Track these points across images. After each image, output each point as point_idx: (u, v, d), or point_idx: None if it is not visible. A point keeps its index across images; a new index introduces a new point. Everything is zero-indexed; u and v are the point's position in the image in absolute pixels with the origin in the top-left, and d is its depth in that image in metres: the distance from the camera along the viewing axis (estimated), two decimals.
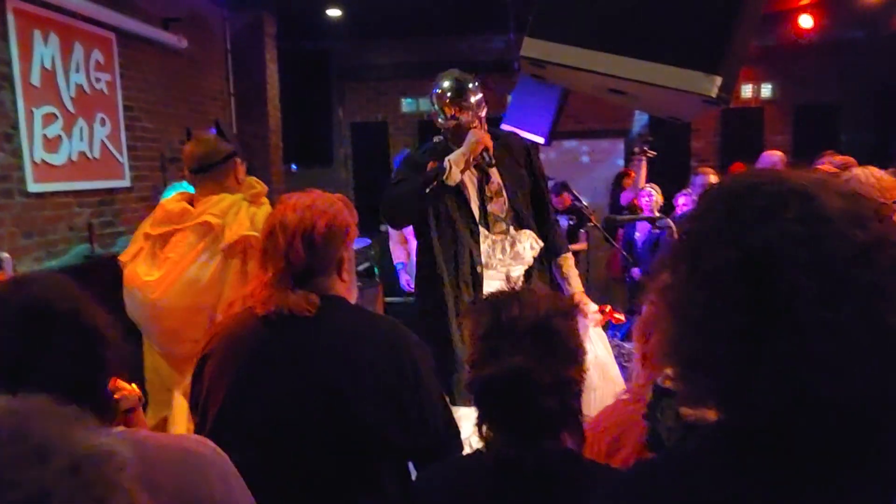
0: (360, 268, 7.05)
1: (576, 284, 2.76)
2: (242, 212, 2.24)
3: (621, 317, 5.13)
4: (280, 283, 1.52)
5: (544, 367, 1.15)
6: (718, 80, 1.32)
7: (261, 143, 6.71)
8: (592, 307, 2.68)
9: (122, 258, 2.34)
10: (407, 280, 5.84)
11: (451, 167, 2.56)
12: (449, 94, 2.70)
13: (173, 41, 5.32)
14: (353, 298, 1.65)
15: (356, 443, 1.48)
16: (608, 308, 5.09)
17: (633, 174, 6.37)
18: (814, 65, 7.95)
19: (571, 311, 1.24)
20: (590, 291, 6.13)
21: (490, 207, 2.78)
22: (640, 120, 8.31)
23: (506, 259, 2.81)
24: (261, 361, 1.55)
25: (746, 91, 8.34)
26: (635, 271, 5.44)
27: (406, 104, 8.98)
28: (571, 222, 6.09)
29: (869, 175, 3.01)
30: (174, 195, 2.44)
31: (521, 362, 1.14)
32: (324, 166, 8.13)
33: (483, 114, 2.68)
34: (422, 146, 2.83)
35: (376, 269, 7.14)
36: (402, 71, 8.64)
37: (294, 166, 7.96)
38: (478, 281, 2.74)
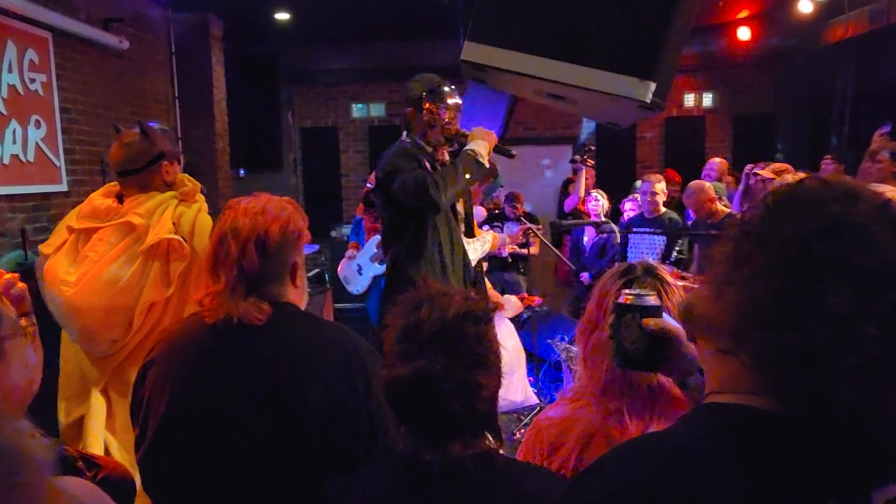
0: (310, 274, 6.98)
1: None
2: (168, 213, 2.19)
3: (534, 299, 5.23)
4: (231, 291, 1.47)
5: (449, 371, 1.13)
6: (652, 86, 1.35)
7: (207, 148, 6.57)
8: (512, 298, 2.81)
9: (44, 249, 2.27)
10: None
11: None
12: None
13: (114, 42, 5.17)
14: (303, 305, 1.63)
15: (304, 455, 1.45)
16: (525, 295, 5.17)
17: (591, 172, 6.53)
18: (752, 75, 8.26)
19: (484, 314, 1.22)
20: (536, 295, 6.23)
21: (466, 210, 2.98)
22: (587, 127, 8.47)
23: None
24: (206, 371, 1.50)
25: (689, 100, 8.60)
26: (584, 276, 5.52)
27: (357, 109, 8.94)
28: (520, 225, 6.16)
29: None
30: (105, 188, 2.38)
31: (424, 366, 1.13)
32: (273, 171, 8.02)
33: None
34: (397, 146, 2.83)
35: (326, 275, 7.08)
36: (352, 76, 8.60)
37: (242, 171, 7.83)
38: (480, 279, 2.85)
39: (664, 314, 1.18)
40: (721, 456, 0.76)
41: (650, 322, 1.13)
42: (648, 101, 1.35)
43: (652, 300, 1.16)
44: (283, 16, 6.74)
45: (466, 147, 2.73)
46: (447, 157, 2.85)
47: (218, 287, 1.49)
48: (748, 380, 0.79)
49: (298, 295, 1.59)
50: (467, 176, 2.64)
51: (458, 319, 1.17)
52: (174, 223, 2.18)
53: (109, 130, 5.27)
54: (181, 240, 2.15)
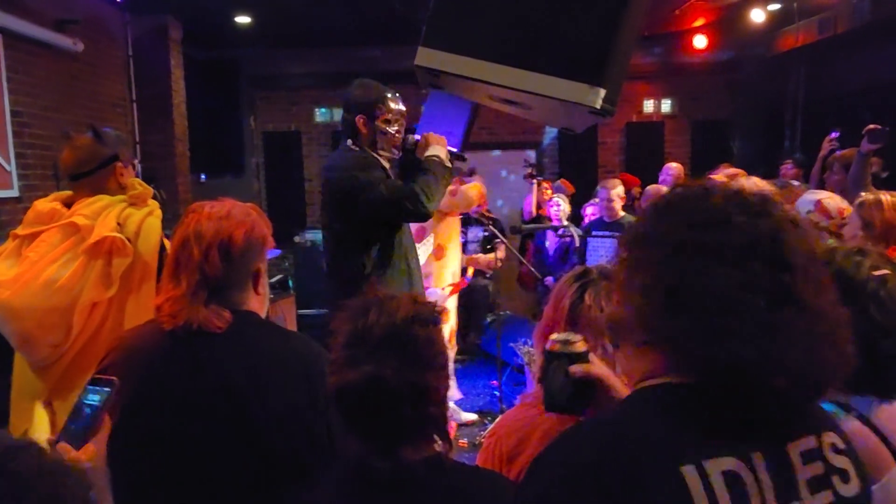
0: (274, 279, 6.91)
1: None
2: (113, 213, 2.15)
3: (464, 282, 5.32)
4: (193, 297, 1.45)
5: (399, 374, 1.14)
6: (602, 92, 1.39)
7: (166, 152, 6.47)
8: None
9: None
10: None
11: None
12: (399, 105, 2.76)
13: (68, 44, 5.06)
14: (264, 312, 1.61)
15: (262, 466, 1.43)
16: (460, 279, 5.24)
17: (547, 183, 6.64)
18: (709, 82, 8.46)
19: (432, 317, 1.22)
20: (499, 299, 6.28)
21: None
22: (550, 132, 8.57)
23: None
24: (163, 379, 1.47)
25: (648, 106, 8.77)
26: (549, 280, 5.58)
27: (320, 114, 8.89)
28: (486, 233, 6.20)
29: (753, 185, 3.27)
30: (53, 194, 2.33)
31: (374, 370, 1.13)
32: (235, 176, 7.92)
33: None
34: (348, 154, 2.76)
35: (290, 281, 7.02)
36: (315, 80, 8.56)
37: (203, 176, 7.72)
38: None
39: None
40: (653, 429, 0.85)
41: (576, 369, 1.16)
42: (598, 106, 1.38)
43: (579, 346, 1.18)
44: (243, 19, 6.67)
45: (429, 154, 2.70)
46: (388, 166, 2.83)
47: (178, 292, 1.46)
48: (664, 364, 0.89)
49: (260, 302, 1.57)
50: (442, 182, 2.64)
51: (407, 323, 1.18)
52: (119, 224, 2.14)
53: (63, 134, 5.16)
54: (125, 239, 2.11)
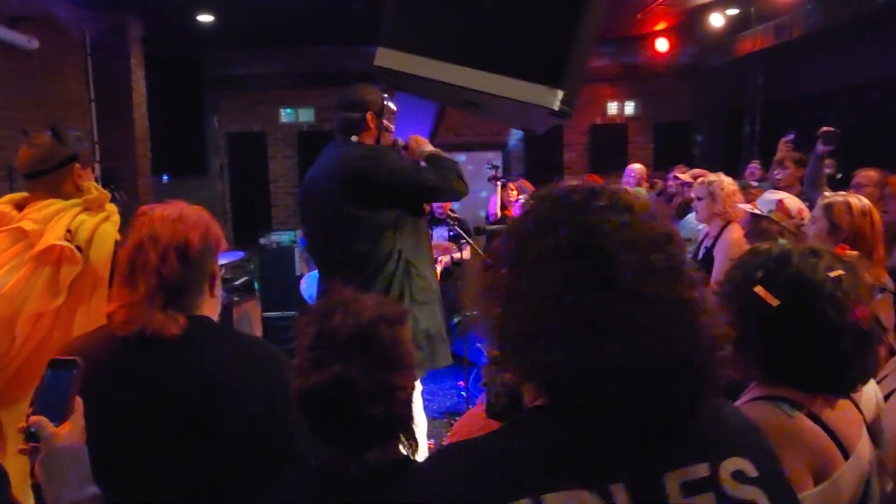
0: (239, 282, 6.83)
1: None
2: (64, 219, 2.08)
3: None
4: (149, 301, 1.42)
5: (367, 375, 1.14)
6: (560, 94, 1.41)
7: (127, 153, 6.34)
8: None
9: None
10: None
11: None
12: (394, 106, 2.83)
13: (22, 42, 4.92)
14: (217, 315, 1.59)
15: (220, 475, 1.41)
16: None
17: (512, 185, 6.70)
18: (671, 85, 8.62)
19: (398, 317, 1.23)
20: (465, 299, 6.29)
21: None
22: (516, 133, 8.63)
23: None
24: (117, 387, 1.43)
25: (612, 108, 8.91)
26: None
27: (285, 114, 8.81)
28: (451, 233, 6.22)
29: (725, 183, 3.37)
30: (7, 196, 2.26)
31: (342, 371, 1.13)
32: (198, 177, 7.81)
33: None
34: (367, 146, 2.79)
35: (256, 283, 6.94)
36: (280, 80, 8.48)
37: (165, 177, 7.60)
38: None
39: None
40: (498, 461, 0.79)
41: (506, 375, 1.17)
42: (556, 108, 1.40)
43: None
44: (206, 18, 6.58)
45: (430, 150, 2.83)
46: None
47: (135, 297, 1.42)
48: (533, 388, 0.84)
49: (215, 305, 1.55)
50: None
51: (373, 323, 1.18)
52: (70, 231, 2.07)
53: (18, 134, 5.03)
54: (74, 248, 2.05)
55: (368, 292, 1.31)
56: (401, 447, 1.23)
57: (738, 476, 0.80)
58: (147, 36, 6.51)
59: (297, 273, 6.00)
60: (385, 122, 2.83)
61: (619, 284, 0.77)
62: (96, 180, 5.40)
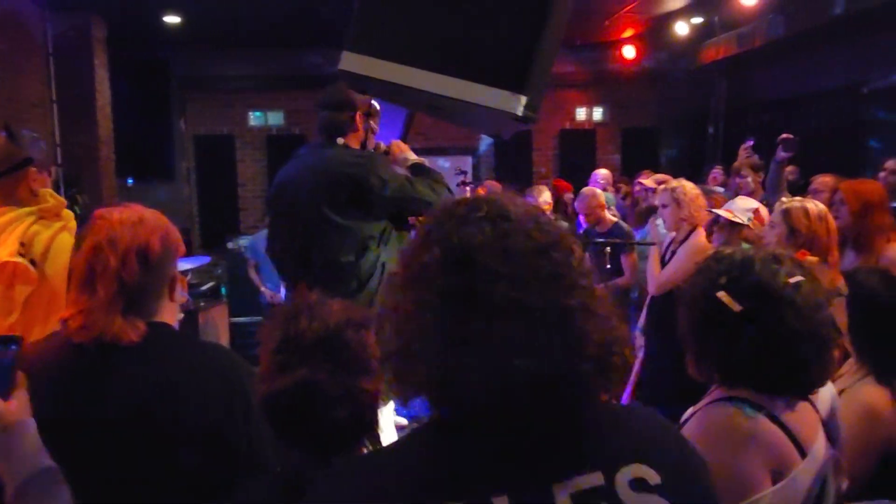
0: (205, 287, 6.73)
1: None
2: (17, 232, 2.01)
3: None
4: (108, 307, 1.38)
5: (333, 378, 1.13)
6: (524, 100, 1.42)
7: (90, 155, 6.22)
8: None
9: None
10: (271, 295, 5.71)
11: None
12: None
13: None
14: (176, 321, 1.57)
15: (178, 484, 1.38)
16: None
17: (482, 190, 6.74)
18: (638, 92, 8.76)
19: (364, 321, 1.22)
20: None
21: None
22: (486, 138, 8.68)
23: None
24: (73, 396, 1.40)
25: (581, 114, 9.02)
26: None
27: (254, 118, 8.73)
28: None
29: (688, 189, 3.43)
30: None
31: (308, 375, 1.12)
32: (164, 180, 7.69)
33: None
34: (357, 151, 2.69)
35: (223, 288, 6.85)
36: (249, 83, 8.41)
37: (130, 180, 7.47)
38: None
39: None
40: (397, 466, 0.80)
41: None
42: (520, 113, 1.41)
43: None
44: (172, 19, 6.50)
45: (414, 159, 2.76)
46: None
47: (94, 303, 1.39)
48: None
49: (174, 310, 1.53)
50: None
51: (339, 327, 1.18)
52: (24, 243, 2.00)
53: None
54: (27, 264, 1.98)
55: None
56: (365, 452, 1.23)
57: (638, 484, 0.77)
58: (111, 36, 6.40)
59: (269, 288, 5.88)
60: (371, 122, 2.72)
61: (493, 297, 0.75)
62: (57, 184, 5.28)
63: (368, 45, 1.52)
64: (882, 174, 4.11)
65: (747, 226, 2.89)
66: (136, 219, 1.45)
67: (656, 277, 3.43)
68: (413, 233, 0.91)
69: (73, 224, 2.16)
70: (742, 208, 3.05)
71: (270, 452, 1.36)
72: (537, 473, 0.76)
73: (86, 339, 1.38)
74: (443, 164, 8.50)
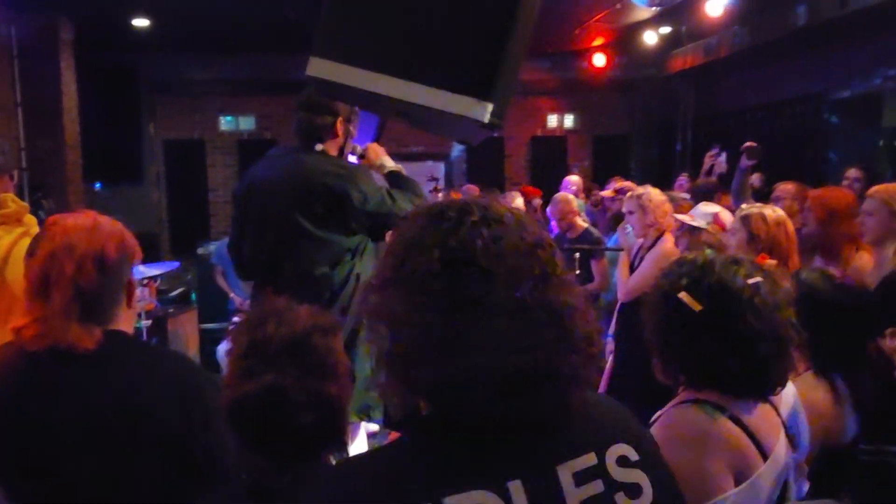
0: (175, 293, 6.65)
1: None
2: None
3: None
4: (64, 314, 1.36)
5: (300, 384, 1.13)
6: (490, 107, 1.43)
7: (56, 160, 6.11)
8: None
9: None
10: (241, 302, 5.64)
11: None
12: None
13: None
14: (132, 328, 1.55)
15: (137, 494, 1.37)
16: None
17: (456, 195, 6.78)
18: (608, 99, 8.88)
19: (331, 327, 1.23)
20: None
21: None
22: (458, 144, 8.72)
23: None
24: (27, 405, 1.38)
25: (552, 121, 9.11)
26: None
27: (225, 122, 8.66)
28: None
29: (654, 193, 3.49)
30: None
31: (275, 380, 1.12)
32: (133, 185, 7.60)
33: None
34: (339, 161, 2.62)
35: (193, 294, 6.77)
36: (220, 87, 8.34)
37: (98, 185, 7.35)
38: None
39: None
40: (398, 468, 0.82)
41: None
42: (486, 121, 1.43)
43: None
44: (141, 22, 6.42)
45: (391, 167, 2.72)
46: None
47: (48, 310, 1.37)
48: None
49: (131, 317, 1.51)
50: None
51: (306, 332, 1.18)
52: None
53: None
54: None
55: None
56: (331, 458, 1.22)
57: (622, 461, 0.86)
58: (79, 39, 6.30)
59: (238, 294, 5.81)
60: (351, 128, 2.64)
61: (493, 298, 0.80)
62: (21, 188, 5.16)
63: (336, 51, 1.51)
64: (845, 182, 4.22)
65: (706, 230, 2.93)
66: (91, 225, 1.43)
67: (625, 284, 3.48)
68: (393, 237, 0.90)
69: (35, 230, 2.11)
70: (702, 213, 3.10)
71: (232, 460, 1.35)
72: (542, 458, 0.83)
73: (41, 348, 1.36)
74: (415, 169, 8.53)
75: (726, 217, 2.98)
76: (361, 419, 2.53)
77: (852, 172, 4.37)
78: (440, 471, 0.80)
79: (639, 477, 0.86)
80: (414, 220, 0.87)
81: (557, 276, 0.85)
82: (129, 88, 7.40)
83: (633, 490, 0.86)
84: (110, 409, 1.36)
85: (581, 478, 0.83)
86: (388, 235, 2.65)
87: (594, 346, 0.86)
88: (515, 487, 0.79)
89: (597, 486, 0.83)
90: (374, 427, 5.01)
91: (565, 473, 0.82)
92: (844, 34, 5.75)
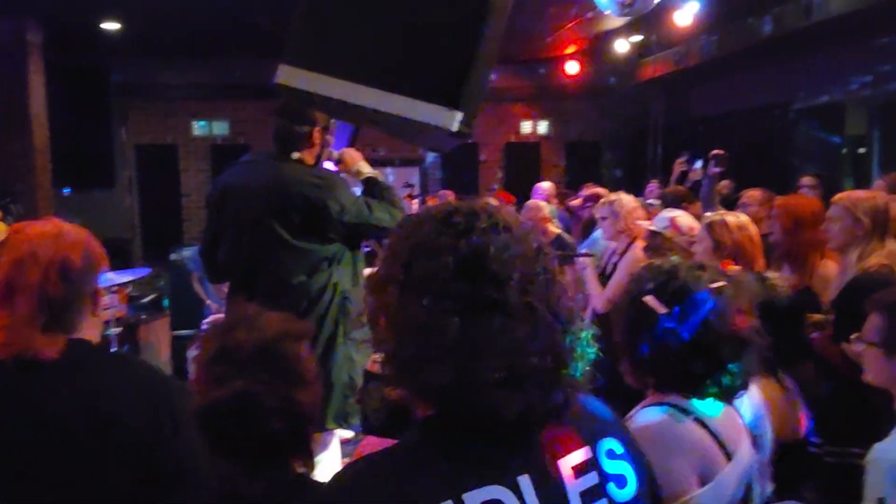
0: (147, 299, 6.55)
1: None
2: None
3: None
4: (29, 323, 1.35)
5: (271, 390, 1.13)
6: (459, 115, 1.45)
7: (24, 165, 6.01)
8: None
9: None
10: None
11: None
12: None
13: None
14: (98, 337, 1.53)
15: (104, 503, 1.35)
16: None
17: (433, 200, 6.80)
18: (581, 106, 8.98)
19: (302, 333, 1.24)
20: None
21: None
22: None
23: None
24: None
25: (526, 127, 9.19)
26: None
27: (198, 127, 8.58)
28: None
29: (626, 199, 3.55)
30: None
31: (246, 386, 1.12)
32: (104, 190, 7.48)
33: None
34: (318, 170, 2.62)
35: (166, 301, 6.68)
36: (193, 92, 8.27)
37: (68, 190, 7.23)
38: None
39: None
40: (411, 468, 0.84)
41: (392, 391, 1.15)
42: (455, 129, 1.44)
43: None
44: (111, 25, 6.34)
45: (369, 174, 2.72)
46: None
47: (13, 319, 1.35)
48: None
49: (97, 325, 1.50)
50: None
51: (276, 338, 1.18)
52: None
53: None
54: None
55: None
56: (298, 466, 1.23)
57: (611, 454, 0.93)
58: (48, 42, 6.20)
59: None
60: (327, 137, 2.65)
61: (506, 301, 0.83)
62: None
63: (305, 59, 1.52)
64: (801, 190, 4.33)
65: (663, 234, 2.98)
66: (55, 232, 1.42)
67: (599, 295, 3.48)
68: (394, 241, 0.91)
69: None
70: (661, 218, 3.15)
71: (203, 468, 1.34)
72: (546, 453, 0.88)
73: (5, 356, 1.35)
74: (390, 174, 8.54)
75: (683, 221, 3.03)
76: (340, 426, 2.48)
77: (807, 180, 4.49)
78: (456, 468, 0.83)
79: (625, 469, 0.93)
80: (419, 224, 0.89)
81: (558, 281, 0.89)
82: (100, 92, 7.29)
83: (621, 481, 0.92)
84: (77, 418, 1.35)
85: (579, 471, 0.88)
86: (386, 240, 2.64)
87: (592, 348, 0.92)
88: (525, 482, 0.84)
89: (593, 478, 0.89)
90: (349, 434, 5.01)
91: (566, 467, 0.88)
92: (809, 45, 5.89)
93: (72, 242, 1.42)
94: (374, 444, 1.54)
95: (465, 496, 0.80)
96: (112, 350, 4.11)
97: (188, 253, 6.60)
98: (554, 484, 0.86)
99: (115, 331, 4.51)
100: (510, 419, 0.83)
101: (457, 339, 0.81)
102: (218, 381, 1.14)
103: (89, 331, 1.47)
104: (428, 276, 0.83)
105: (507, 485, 0.83)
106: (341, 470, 0.90)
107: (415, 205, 6.53)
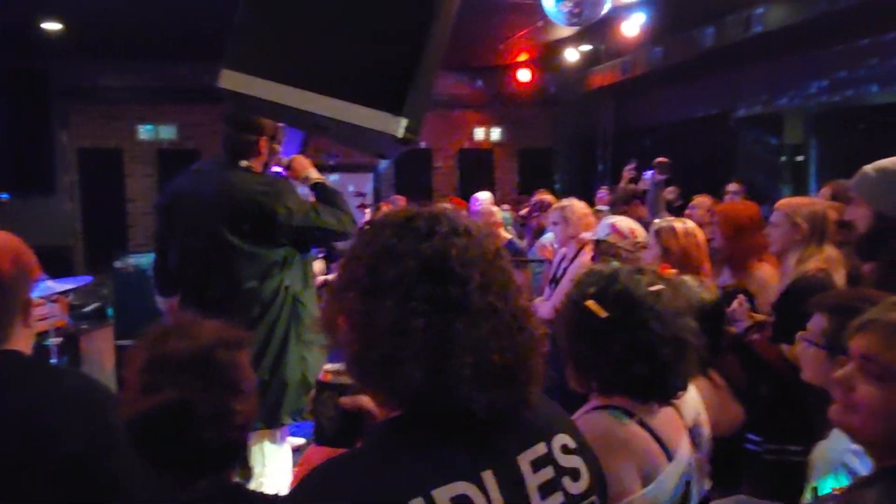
0: (89, 308, 6.34)
1: None
2: None
3: None
4: None
5: (205, 398, 1.11)
6: (404, 122, 1.45)
7: None
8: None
9: None
10: None
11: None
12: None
13: None
14: (30, 348, 1.48)
15: None
16: None
17: (387, 206, 6.78)
18: (533, 113, 9.11)
19: (238, 341, 1.22)
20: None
21: None
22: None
23: None
24: None
25: (479, 134, 9.27)
26: None
27: (144, 131, 8.37)
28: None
29: (578, 206, 3.61)
30: None
31: (178, 395, 1.11)
32: (43, 195, 7.23)
33: None
34: (266, 178, 2.64)
35: (109, 310, 6.48)
36: (138, 95, 8.06)
37: (6, 195, 6.96)
38: None
39: None
40: (380, 466, 0.86)
41: (346, 400, 1.12)
42: (400, 135, 1.44)
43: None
44: (52, 25, 6.13)
45: (315, 178, 2.75)
46: None
47: None
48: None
49: (29, 336, 1.44)
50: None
51: (210, 346, 1.16)
52: None
53: None
54: None
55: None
56: (234, 475, 1.21)
57: (564, 449, 0.96)
58: None
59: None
60: (275, 145, 2.67)
61: (470, 303, 0.86)
62: None
63: (247, 64, 1.50)
64: (727, 196, 4.48)
65: (606, 241, 3.04)
66: None
67: (546, 303, 3.51)
68: (357, 246, 0.92)
69: None
70: (602, 225, 3.20)
71: (138, 480, 1.31)
72: (507, 449, 0.91)
73: None
74: (344, 183, 8.48)
75: (622, 224, 3.09)
76: (294, 420, 2.66)
77: (732, 186, 4.66)
78: (424, 466, 0.85)
79: (578, 462, 0.97)
80: (380, 228, 0.90)
81: (514, 280, 0.93)
82: (40, 94, 7.07)
83: (575, 474, 0.95)
84: (7, 432, 1.30)
85: (536, 465, 0.92)
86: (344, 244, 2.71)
87: (545, 347, 0.95)
88: (489, 477, 0.86)
89: (549, 473, 0.92)
90: (300, 441, 4.96)
91: (525, 462, 0.91)
92: (749, 56, 6.11)
93: (1, 249, 1.36)
94: (319, 451, 1.52)
95: (434, 493, 0.82)
96: (47, 361, 3.96)
97: (134, 260, 6.43)
98: (514, 479, 0.89)
99: (54, 341, 4.34)
100: (480, 416, 0.86)
101: (425, 340, 0.83)
102: (149, 389, 1.11)
103: (21, 342, 1.41)
104: (393, 280, 0.85)
105: (472, 480, 0.85)
106: (311, 471, 0.90)
107: (367, 214, 6.51)
